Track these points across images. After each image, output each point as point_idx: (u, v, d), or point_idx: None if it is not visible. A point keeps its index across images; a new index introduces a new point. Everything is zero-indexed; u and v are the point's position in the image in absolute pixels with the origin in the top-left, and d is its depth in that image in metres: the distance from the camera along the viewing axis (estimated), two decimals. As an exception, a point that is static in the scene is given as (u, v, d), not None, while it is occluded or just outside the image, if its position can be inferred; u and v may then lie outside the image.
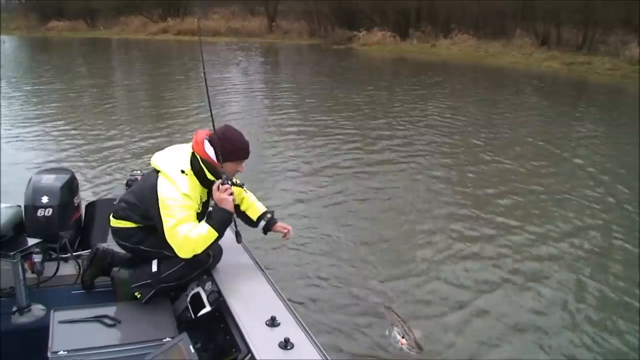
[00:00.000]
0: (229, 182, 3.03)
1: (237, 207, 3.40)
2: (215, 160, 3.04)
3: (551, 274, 5.69)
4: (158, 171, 3.09)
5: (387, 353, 4.16)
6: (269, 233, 3.58)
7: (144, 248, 3.16)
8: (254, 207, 3.51)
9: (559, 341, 4.50)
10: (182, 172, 3.01)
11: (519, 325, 4.67)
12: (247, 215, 3.50)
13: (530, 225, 6.95)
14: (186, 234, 2.87)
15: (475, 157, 10.08)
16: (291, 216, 6.66)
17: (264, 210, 3.51)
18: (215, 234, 2.94)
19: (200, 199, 3.09)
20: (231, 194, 3.00)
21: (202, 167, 3.04)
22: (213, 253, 3.16)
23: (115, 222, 3.21)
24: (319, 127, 12.04)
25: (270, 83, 18.84)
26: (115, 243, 3.35)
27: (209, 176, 3.05)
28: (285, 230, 3.51)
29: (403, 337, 4.08)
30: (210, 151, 3.05)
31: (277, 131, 11.66)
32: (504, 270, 5.68)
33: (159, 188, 2.99)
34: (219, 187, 2.99)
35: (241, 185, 3.34)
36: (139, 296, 3.09)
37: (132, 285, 3.11)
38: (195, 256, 2.98)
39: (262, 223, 3.50)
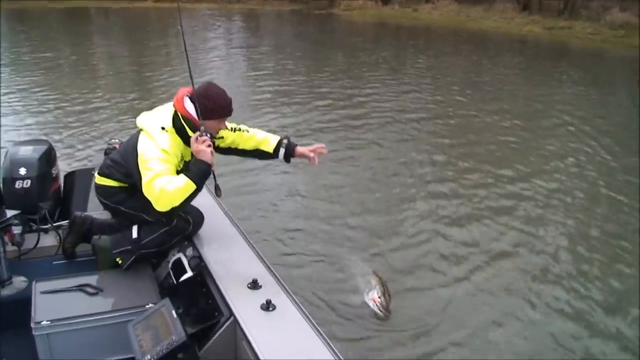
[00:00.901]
0: (207, 134, 2.92)
1: (244, 150, 3.32)
2: (196, 118, 2.94)
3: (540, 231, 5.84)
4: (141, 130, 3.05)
5: (363, 311, 4.23)
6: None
7: (123, 209, 3.14)
8: (267, 140, 3.32)
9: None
10: (163, 129, 2.93)
11: (501, 304, 4.62)
12: (262, 150, 3.32)
13: (517, 176, 7.26)
14: (163, 187, 2.75)
15: (457, 113, 10.28)
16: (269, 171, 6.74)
17: (278, 139, 3.33)
18: (193, 186, 2.80)
19: (182, 156, 3.00)
20: (209, 145, 2.89)
21: (183, 125, 2.96)
22: (193, 220, 3.15)
23: (99, 179, 3.17)
24: (298, 87, 12.11)
25: (250, 47, 18.73)
26: (94, 212, 3.35)
27: (190, 133, 2.95)
28: (312, 154, 3.27)
29: (379, 297, 4.11)
30: (190, 108, 2.96)
31: (256, 90, 11.72)
32: (489, 233, 5.75)
33: (139, 145, 2.94)
34: (197, 138, 2.89)
35: (239, 129, 3.28)
36: (120, 262, 3.10)
37: (113, 251, 3.11)
38: (174, 221, 2.99)
39: (282, 151, 3.30)
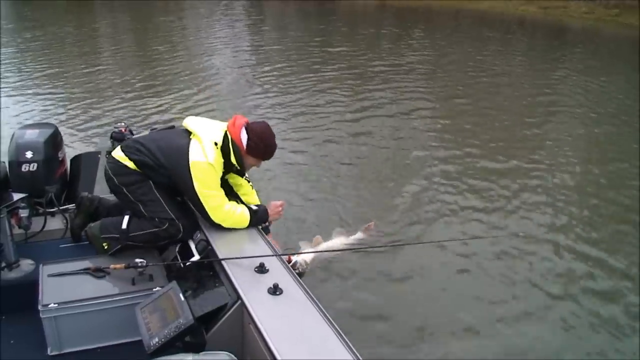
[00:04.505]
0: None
1: (238, 196, 3.49)
2: (244, 148, 3.12)
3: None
4: (189, 133, 3.12)
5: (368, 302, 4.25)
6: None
7: (125, 191, 3.13)
8: (252, 199, 3.54)
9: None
10: (215, 144, 3.06)
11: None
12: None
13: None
14: (230, 211, 3.08)
15: (461, 89, 10.51)
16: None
17: (257, 204, 3.49)
18: (246, 224, 3.14)
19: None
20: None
21: (230, 149, 3.09)
22: (185, 228, 3.11)
23: (118, 155, 3.17)
24: (303, 64, 12.38)
25: (253, 24, 18.97)
26: (100, 195, 3.39)
27: (232, 159, 3.11)
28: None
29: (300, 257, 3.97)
30: (244, 138, 3.12)
31: (261, 68, 11.96)
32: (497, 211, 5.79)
33: (191, 151, 3.01)
34: (280, 207, 3.40)
35: (250, 183, 3.54)
36: (106, 247, 3.12)
37: (102, 235, 3.13)
38: (166, 224, 3.06)
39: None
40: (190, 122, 3.18)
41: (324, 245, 4.22)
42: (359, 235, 4.51)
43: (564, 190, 6.29)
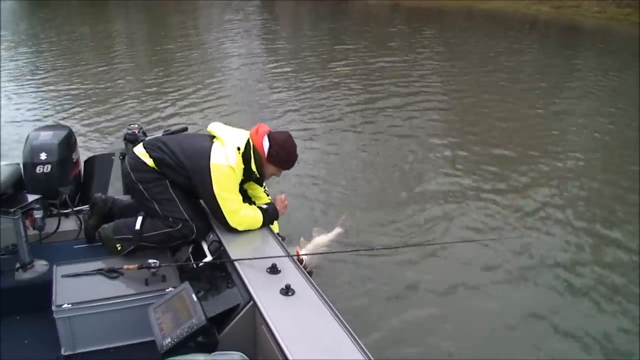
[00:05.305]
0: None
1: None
2: (265, 156, 3.16)
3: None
4: (213, 137, 3.19)
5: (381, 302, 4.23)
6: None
7: (141, 187, 3.16)
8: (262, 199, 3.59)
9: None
10: (238, 149, 3.09)
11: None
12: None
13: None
14: (246, 215, 3.13)
15: (472, 86, 10.51)
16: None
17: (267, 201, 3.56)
18: (259, 224, 3.19)
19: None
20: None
21: (251, 155, 3.14)
22: (198, 229, 3.14)
23: (140, 152, 3.21)
24: (314, 63, 12.41)
25: (265, 24, 19.15)
26: (114, 196, 3.43)
27: (252, 166, 3.16)
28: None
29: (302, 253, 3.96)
30: (266, 146, 3.16)
31: (269, 69, 11.97)
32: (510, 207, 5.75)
33: (213, 154, 3.05)
34: (284, 200, 3.48)
35: (267, 193, 3.59)
36: (119, 248, 3.14)
37: (115, 236, 3.15)
38: (180, 225, 3.08)
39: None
40: (214, 127, 3.24)
41: (314, 244, 4.24)
42: (337, 230, 4.53)
43: (576, 194, 6.22)
